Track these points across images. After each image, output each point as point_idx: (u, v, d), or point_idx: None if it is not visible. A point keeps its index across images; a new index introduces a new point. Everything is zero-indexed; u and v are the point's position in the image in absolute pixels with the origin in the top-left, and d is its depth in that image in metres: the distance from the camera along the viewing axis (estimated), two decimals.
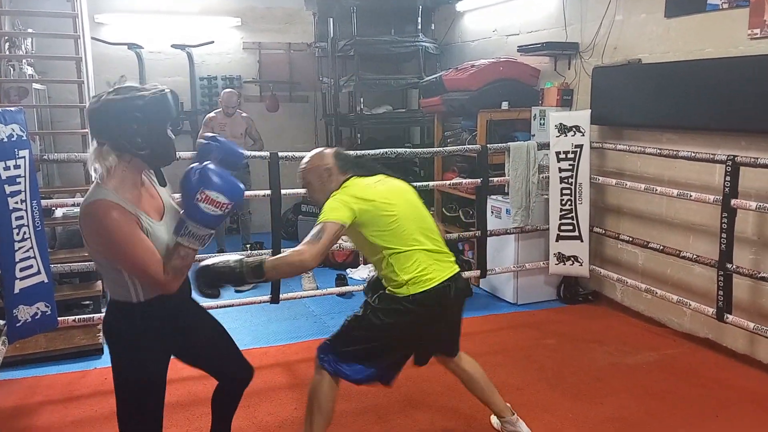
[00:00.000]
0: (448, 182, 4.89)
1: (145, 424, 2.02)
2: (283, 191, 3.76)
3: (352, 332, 2.44)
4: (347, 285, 4.83)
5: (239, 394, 2.34)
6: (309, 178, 2.48)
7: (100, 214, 1.77)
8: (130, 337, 1.96)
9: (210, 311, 2.36)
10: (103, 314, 2.14)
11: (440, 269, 2.40)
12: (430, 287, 2.35)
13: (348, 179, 2.44)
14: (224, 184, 1.82)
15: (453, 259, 2.50)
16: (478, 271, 4.44)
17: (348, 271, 5.43)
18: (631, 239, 4.18)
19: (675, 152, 3.74)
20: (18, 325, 3.00)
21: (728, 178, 3.34)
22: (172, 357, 2.09)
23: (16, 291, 2.95)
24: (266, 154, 3.83)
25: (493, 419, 2.87)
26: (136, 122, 1.81)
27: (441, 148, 4.80)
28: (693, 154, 3.62)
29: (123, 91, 1.85)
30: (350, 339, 2.42)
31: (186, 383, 3.25)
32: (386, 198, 2.38)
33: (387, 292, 2.39)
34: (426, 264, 2.37)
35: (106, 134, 1.83)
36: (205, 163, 1.87)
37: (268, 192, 3.78)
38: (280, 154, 3.78)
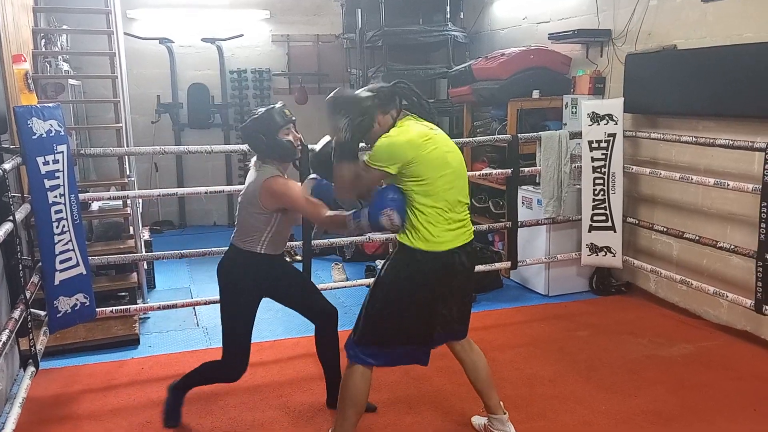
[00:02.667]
0: (477, 173, 4.85)
1: (237, 341, 2.72)
2: None
3: (365, 314, 2.47)
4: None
5: (332, 332, 2.89)
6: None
7: (281, 182, 2.58)
8: (238, 276, 2.70)
9: None
10: (222, 258, 2.81)
11: (456, 236, 2.44)
12: (441, 250, 2.37)
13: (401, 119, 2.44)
14: (403, 213, 2.34)
15: (471, 228, 2.54)
16: (509, 263, 4.41)
17: (377, 262, 5.44)
18: (665, 229, 4.10)
19: (712, 140, 3.66)
20: (58, 315, 3.09)
21: None
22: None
23: (56, 283, 3.04)
24: None
25: (475, 420, 2.83)
26: (257, 136, 2.63)
27: (470, 138, 4.76)
28: (731, 142, 3.54)
29: (250, 117, 2.67)
30: (365, 323, 2.46)
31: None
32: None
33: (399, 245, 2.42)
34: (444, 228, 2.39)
35: (253, 147, 2.72)
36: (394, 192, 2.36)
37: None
38: (309, 146, 3.78)
